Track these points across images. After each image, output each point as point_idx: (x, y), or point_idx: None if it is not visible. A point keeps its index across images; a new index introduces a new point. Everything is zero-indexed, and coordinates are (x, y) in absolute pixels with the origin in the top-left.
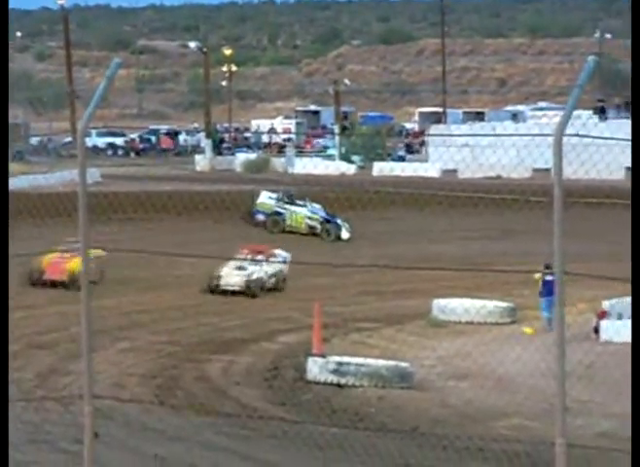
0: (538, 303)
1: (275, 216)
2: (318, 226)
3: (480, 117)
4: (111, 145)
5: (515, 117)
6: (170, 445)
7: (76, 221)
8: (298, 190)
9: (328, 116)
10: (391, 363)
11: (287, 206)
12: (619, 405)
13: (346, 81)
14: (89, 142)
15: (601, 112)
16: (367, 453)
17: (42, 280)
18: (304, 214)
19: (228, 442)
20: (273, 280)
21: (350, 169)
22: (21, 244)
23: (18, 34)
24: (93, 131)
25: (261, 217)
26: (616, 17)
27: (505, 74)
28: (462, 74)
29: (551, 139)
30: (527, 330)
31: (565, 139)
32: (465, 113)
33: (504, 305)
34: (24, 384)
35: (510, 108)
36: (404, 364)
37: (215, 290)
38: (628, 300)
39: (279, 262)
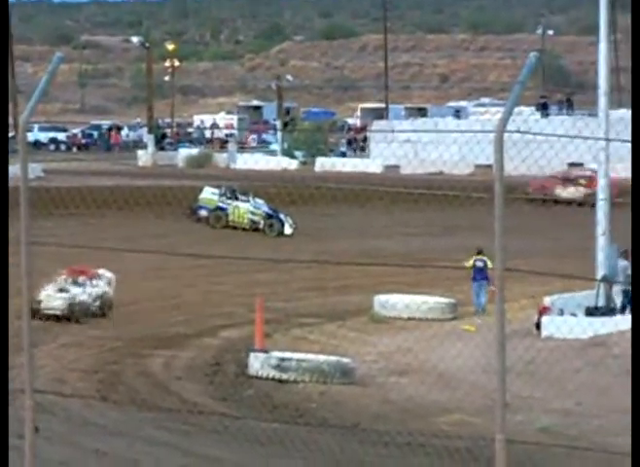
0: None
1: (218, 211)
2: (261, 221)
3: (422, 113)
4: (53, 140)
5: (457, 113)
6: (112, 440)
7: (17, 216)
8: (240, 185)
9: (270, 111)
10: (332, 359)
11: (230, 201)
12: (559, 401)
13: (289, 76)
14: (31, 137)
15: (543, 108)
16: (308, 449)
17: None
18: (247, 209)
19: (169, 437)
20: (98, 303)
21: (292, 165)
22: None
23: None
24: (35, 126)
25: (203, 212)
26: (558, 13)
27: (447, 70)
28: (404, 70)
29: (492, 135)
30: (468, 327)
31: (507, 136)
32: (407, 109)
33: (445, 300)
34: None
35: (452, 104)
36: (345, 360)
37: (36, 314)
38: (569, 296)
39: (104, 283)
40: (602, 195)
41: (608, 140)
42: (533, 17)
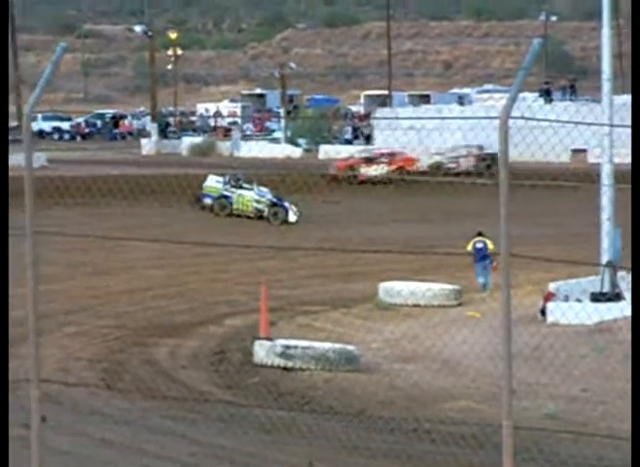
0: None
1: (222, 199)
2: (265, 209)
3: (425, 99)
4: (57, 129)
5: (460, 99)
6: (117, 428)
7: (22, 205)
8: (244, 173)
9: (274, 99)
10: (338, 346)
11: (234, 190)
12: (565, 387)
13: (292, 64)
14: (35, 126)
15: (546, 94)
16: (314, 436)
17: None
18: (252, 197)
19: (175, 425)
20: None
21: (296, 152)
22: None
23: None
24: (39, 116)
25: (208, 201)
26: None
27: (450, 57)
28: (408, 57)
29: (496, 122)
30: (473, 313)
31: (511, 122)
32: (411, 96)
33: (450, 287)
34: None
35: (455, 91)
36: (350, 347)
37: None
38: (574, 281)
39: None
40: (607, 180)
41: (612, 126)
42: (536, 4)
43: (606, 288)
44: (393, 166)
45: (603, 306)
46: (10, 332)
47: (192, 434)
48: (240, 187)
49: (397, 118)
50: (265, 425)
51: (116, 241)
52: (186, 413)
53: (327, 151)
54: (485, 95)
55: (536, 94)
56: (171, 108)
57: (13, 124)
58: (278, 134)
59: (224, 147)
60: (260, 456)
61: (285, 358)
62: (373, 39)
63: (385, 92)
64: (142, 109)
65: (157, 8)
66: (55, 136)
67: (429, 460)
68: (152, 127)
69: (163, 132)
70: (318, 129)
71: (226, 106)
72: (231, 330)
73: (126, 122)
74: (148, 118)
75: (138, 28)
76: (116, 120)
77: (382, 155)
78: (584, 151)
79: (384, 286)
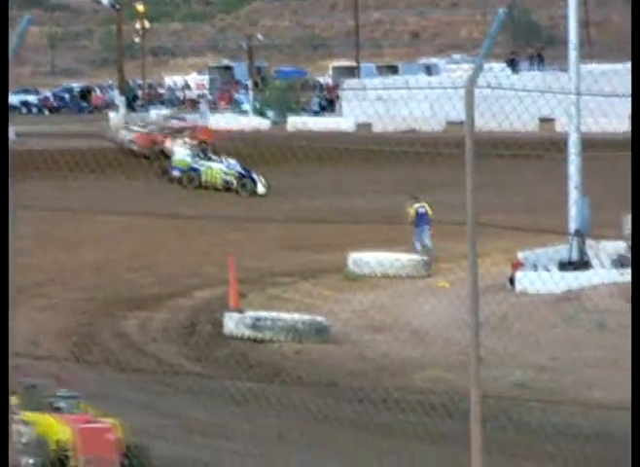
0: (452, 255)
1: (191, 172)
2: (234, 181)
3: (393, 70)
4: (24, 103)
5: (428, 70)
6: (87, 401)
7: None
8: (213, 145)
9: (241, 71)
10: (307, 317)
11: (203, 162)
12: (533, 355)
13: (260, 36)
14: None
15: (512, 64)
16: (283, 407)
17: None
18: (220, 169)
19: (145, 398)
20: None
21: (264, 124)
22: None
23: None
24: None
25: (177, 173)
26: None
27: (418, 27)
28: (375, 27)
29: (462, 91)
30: (441, 283)
31: (477, 91)
32: (379, 67)
33: (418, 258)
34: None
35: (423, 61)
36: (320, 318)
37: None
38: (542, 250)
39: None
40: (574, 149)
41: (579, 94)
42: None
43: (574, 257)
44: (195, 141)
45: (571, 275)
46: None
47: (161, 406)
48: (209, 159)
49: (365, 88)
50: (234, 397)
51: (84, 215)
52: (156, 386)
53: (295, 122)
54: (453, 65)
55: (503, 64)
56: (139, 81)
57: None
58: (246, 106)
59: (192, 119)
60: (229, 427)
61: (255, 330)
62: (340, 10)
63: (353, 64)
64: (110, 82)
65: None
66: (24, 110)
67: (398, 429)
68: (119, 100)
69: (131, 105)
70: (286, 101)
71: (193, 78)
72: (200, 302)
73: (98, 93)
74: (116, 91)
75: (105, 1)
76: (83, 93)
77: (184, 128)
78: (551, 120)
79: (353, 257)
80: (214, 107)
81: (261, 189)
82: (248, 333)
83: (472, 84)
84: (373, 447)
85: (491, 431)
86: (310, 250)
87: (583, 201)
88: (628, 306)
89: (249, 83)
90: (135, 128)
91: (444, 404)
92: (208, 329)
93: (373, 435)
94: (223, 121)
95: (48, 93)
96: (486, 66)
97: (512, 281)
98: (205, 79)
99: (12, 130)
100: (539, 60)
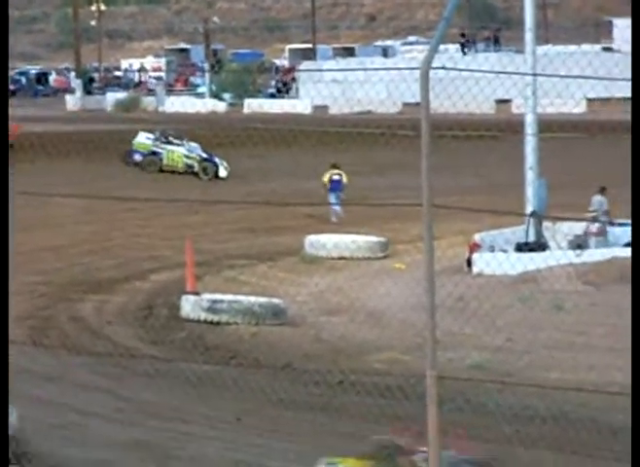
0: (409, 237)
1: (152, 156)
2: (196, 164)
3: (350, 52)
4: None
5: (385, 52)
6: (44, 385)
7: None
8: (174, 129)
9: (197, 54)
10: (264, 299)
11: (164, 146)
12: (489, 337)
13: (215, 18)
14: None
15: (461, 46)
16: (239, 390)
17: None
18: (181, 153)
19: (102, 381)
20: None
21: (220, 107)
22: None
23: None
24: None
25: (138, 157)
26: None
27: (374, 9)
28: (332, 10)
29: (418, 73)
30: (398, 265)
31: (432, 73)
32: (335, 49)
33: (375, 239)
34: None
35: (380, 43)
36: (276, 300)
37: None
38: (499, 232)
39: None
40: (530, 129)
41: (535, 75)
42: None
43: (531, 238)
44: None
45: (527, 256)
46: None
47: (118, 389)
48: (170, 143)
49: (320, 70)
50: (190, 379)
51: (41, 198)
52: (112, 369)
53: (251, 105)
54: (409, 47)
55: (459, 46)
56: (95, 64)
57: None
58: (203, 89)
59: (148, 102)
60: (186, 410)
61: (212, 312)
62: None
63: (310, 46)
64: (66, 65)
65: None
66: None
67: (354, 412)
68: (76, 84)
69: (87, 88)
70: (242, 84)
71: (150, 61)
72: (157, 285)
73: (50, 78)
74: (72, 74)
75: None
76: (39, 76)
77: None
78: (508, 101)
79: (310, 239)
80: (170, 90)
81: (223, 172)
82: (204, 315)
83: (427, 65)
84: (330, 429)
85: (448, 412)
86: (267, 232)
87: (539, 183)
88: (585, 288)
89: (205, 65)
90: None
91: (400, 386)
92: (165, 312)
93: (329, 417)
94: (178, 103)
95: None
96: (442, 48)
97: (469, 263)
98: (162, 62)
99: None
100: (495, 42)
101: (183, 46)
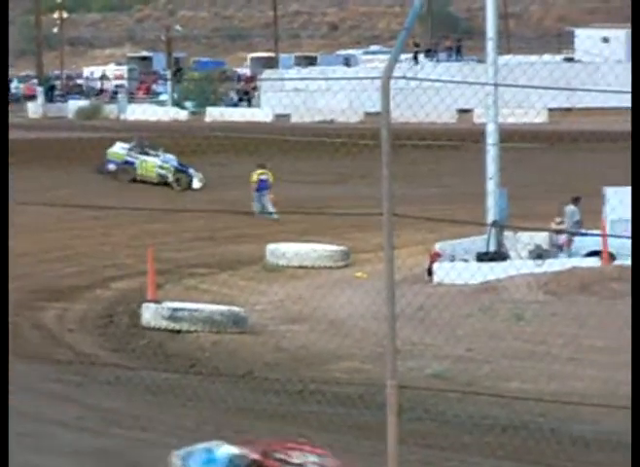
0: (370, 246)
1: (126, 165)
2: (170, 175)
3: (312, 61)
4: None
5: (347, 61)
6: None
7: None
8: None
9: (159, 61)
10: (225, 308)
11: (138, 156)
12: (450, 346)
13: (178, 27)
14: None
15: (414, 57)
16: (199, 398)
17: None
18: (155, 163)
19: (61, 388)
20: None
21: (182, 115)
22: None
23: None
24: None
25: (112, 166)
26: None
27: (336, 18)
28: (294, 18)
29: (378, 82)
30: (359, 274)
31: (393, 82)
32: (297, 57)
33: (335, 248)
34: None
35: (342, 52)
36: (237, 309)
37: None
38: (460, 241)
39: None
40: (490, 139)
41: (496, 85)
42: None
43: (491, 248)
44: None
45: (488, 266)
46: None
47: (78, 397)
48: (146, 153)
49: (282, 79)
50: (151, 387)
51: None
52: (72, 377)
53: (213, 113)
54: (371, 57)
55: (421, 56)
56: (57, 71)
57: None
58: (165, 97)
59: (110, 110)
60: (146, 418)
61: (172, 321)
62: (259, 1)
63: (272, 55)
64: (28, 73)
65: None
66: None
67: (314, 421)
68: (38, 91)
69: (49, 96)
70: (204, 92)
71: (111, 69)
72: (118, 293)
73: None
74: (34, 81)
75: None
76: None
77: None
78: (469, 111)
79: (270, 248)
80: (132, 98)
81: (196, 184)
82: (165, 324)
83: (388, 75)
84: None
85: (408, 422)
86: (229, 241)
87: (500, 192)
88: (545, 297)
89: (167, 73)
90: None
91: (360, 395)
92: (125, 320)
93: (289, 426)
94: (140, 111)
95: None
96: (403, 57)
97: (429, 272)
98: (123, 69)
99: None
100: (457, 52)
101: (145, 54)
